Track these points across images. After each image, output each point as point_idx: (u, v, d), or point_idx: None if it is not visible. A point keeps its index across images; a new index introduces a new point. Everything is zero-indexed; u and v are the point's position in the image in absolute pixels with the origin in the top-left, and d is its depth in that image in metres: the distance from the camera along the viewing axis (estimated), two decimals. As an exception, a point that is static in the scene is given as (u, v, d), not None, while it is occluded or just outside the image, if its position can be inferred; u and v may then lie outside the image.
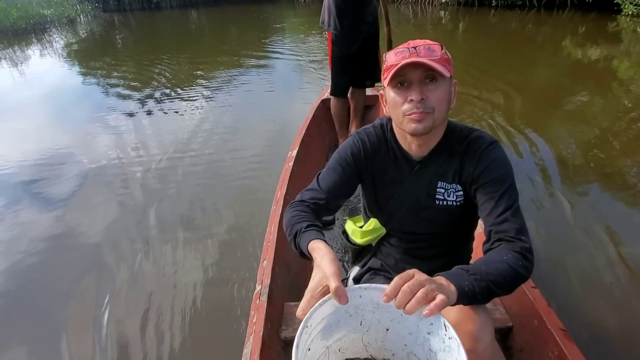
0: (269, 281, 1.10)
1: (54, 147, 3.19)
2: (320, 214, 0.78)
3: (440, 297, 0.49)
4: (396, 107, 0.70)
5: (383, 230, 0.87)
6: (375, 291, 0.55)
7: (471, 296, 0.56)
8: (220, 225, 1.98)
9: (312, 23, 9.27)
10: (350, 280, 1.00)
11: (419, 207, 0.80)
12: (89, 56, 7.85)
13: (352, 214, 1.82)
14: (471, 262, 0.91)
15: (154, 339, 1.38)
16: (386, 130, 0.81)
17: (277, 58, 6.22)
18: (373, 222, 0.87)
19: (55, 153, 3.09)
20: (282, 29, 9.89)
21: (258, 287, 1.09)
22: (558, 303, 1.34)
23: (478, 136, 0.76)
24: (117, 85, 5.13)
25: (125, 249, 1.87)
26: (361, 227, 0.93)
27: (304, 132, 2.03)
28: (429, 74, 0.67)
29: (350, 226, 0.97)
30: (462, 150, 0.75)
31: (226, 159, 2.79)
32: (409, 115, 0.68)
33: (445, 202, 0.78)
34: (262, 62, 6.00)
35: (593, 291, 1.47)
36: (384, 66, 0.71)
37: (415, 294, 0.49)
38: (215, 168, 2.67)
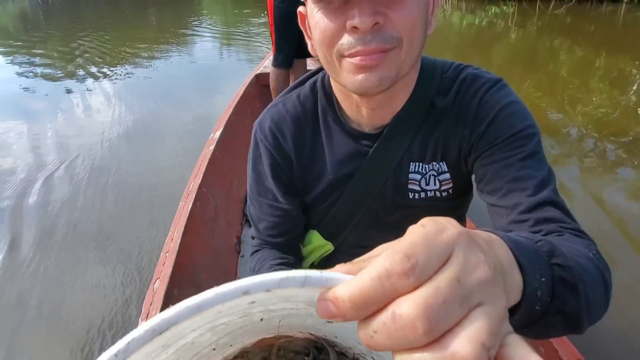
0: (157, 313, 0.68)
1: None
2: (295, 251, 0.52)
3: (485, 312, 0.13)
4: (326, 40, 0.35)
5: (329, 247, 0.54)
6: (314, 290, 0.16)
7: (540, 310, 0.22)
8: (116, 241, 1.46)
9: (226, 2, 9.54)
10: None
11: (383, 207, 0.47)
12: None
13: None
14: None
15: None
16: (318, 91, 0.46)
17: (202, 36, 5.80)
18: (314, 237, 0.54)
19: None
20: (201, 10, 9.71)
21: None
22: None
23: (473, 75, 0.42)
24: (26, 76, 4.14)
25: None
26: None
27: (231, 110, 1.60)
28: None
29: None
30: (447, 104, 0.42)
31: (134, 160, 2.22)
32: (350, 57, 0.35)
33: (423, 194, 0.45)
34: (187, 42, 5.56)
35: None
36: None
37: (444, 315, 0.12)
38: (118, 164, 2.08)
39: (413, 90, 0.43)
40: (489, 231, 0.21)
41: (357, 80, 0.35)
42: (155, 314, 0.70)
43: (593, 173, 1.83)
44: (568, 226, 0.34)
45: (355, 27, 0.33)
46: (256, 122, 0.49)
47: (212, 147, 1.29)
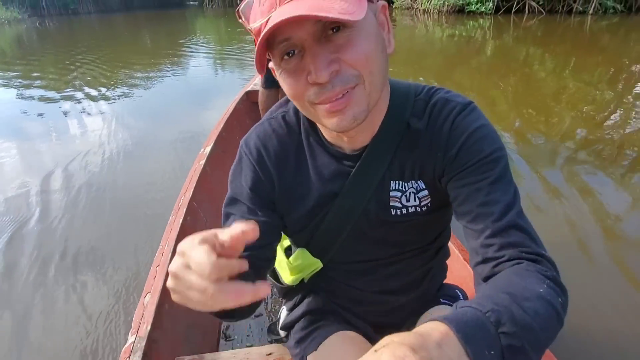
0: (148, 328, 0.69)
1: None
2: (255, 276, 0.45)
3: None
4: (296, 97, 0.38)
5: (318, 265, 0.54)
6: None
7: None
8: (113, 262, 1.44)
9: (219, 22, 10.25)
10: (280, 331, 0.64)
11: (368, 223, 0.48)
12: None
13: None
14: (445, 282, 0.60)
15: None
16: (300, 116, 0.47)
17: (196, 54, 5.99)
18: (302, 255, 0.53)
19: None
20: (194, 30, 10.15)
21: (131, 339, 0.67)
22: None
23: (444, 100, 0.43)
24: (23, 96, 4.18)
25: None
26: (288, 250, 0.59)
27: (221, 126, 1.62)
28: (328, 22, 0.34)
29: (278, 252, 0.60)
30: (422, 127, 0.43)
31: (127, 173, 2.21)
32: (320, 104, 0.37)
33: (404, 210, 0.46)
34: (181, 60, 5.68)
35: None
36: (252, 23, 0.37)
37: None
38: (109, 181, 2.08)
39: (388, 111, 0.44)
40: (440, 320, 0.25)
41: (334, 123, 0.37)
42: (145, 329, 0.70)
43: (564, 163, 1.90)
44: (529, 250, 0.36)
45: (315, 83, 0.35)
46: (243, 139, 0.49)
47: (202, 162, 1.29)
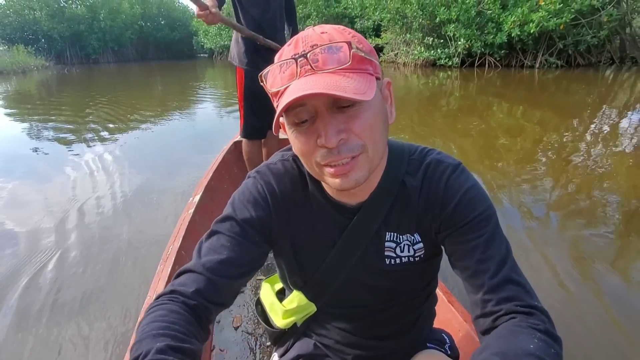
0: None
1: None
2: (204, 315, 0.41)
3: None
4: (304, 155, 0.39)
5: (312, 308, 0.53)
6: None
7: None
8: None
9: (227, 72, 10.97)
10: None
11: (363, 271, 0.48)
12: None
13: (269, 271, 1.30)
14: (434, 325, 0.60)
15: None
16: (302, 166, 0.47)
17: (203, 101, 6.24)
18: (297, 298, 0.53)
19: None
20: (203, 78, 10.69)
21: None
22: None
23: (437, 160, 0.45)
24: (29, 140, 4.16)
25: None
26: (280, 294, 0.59)
27: (210, 175, 1.62)
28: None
29: (267, 296, 0.58)
30: (416, 185, 0.45)
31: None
32: (326, 166, 0.38)
33: (398, 260, 0.47)
34: (188, 105, 5.85)
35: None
36: (267, 82, 0.39)
37: None
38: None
39: (386, 169, 0.45)
40: None
41: (337, 183, 0.39)
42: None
43: (512, 194, 1.98)
44: (523, 304, 0.38)
45: (324, 146, 0.36)
46: (254, 170, 0.48)
47: (191, 211, 1.28)
